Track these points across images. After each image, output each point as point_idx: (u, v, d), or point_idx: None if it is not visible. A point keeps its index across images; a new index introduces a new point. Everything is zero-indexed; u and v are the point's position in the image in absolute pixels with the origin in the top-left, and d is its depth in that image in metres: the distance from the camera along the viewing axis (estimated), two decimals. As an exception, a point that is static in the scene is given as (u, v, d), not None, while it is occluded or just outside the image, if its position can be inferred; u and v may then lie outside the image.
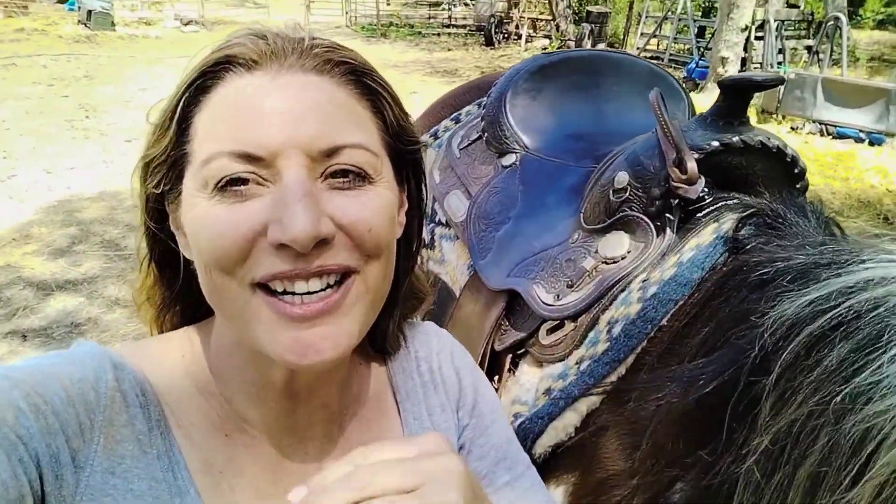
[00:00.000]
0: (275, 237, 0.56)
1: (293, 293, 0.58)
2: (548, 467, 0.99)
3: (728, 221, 0.94)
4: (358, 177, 0.61)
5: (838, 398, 0.57)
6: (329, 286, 0.60)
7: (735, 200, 0.97)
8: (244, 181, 0.58)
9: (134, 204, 0.71)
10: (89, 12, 14.79)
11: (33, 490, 0.54)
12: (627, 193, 1.06)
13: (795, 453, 0.58)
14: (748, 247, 0.88)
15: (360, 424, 0.75)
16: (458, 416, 0.79)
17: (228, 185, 0.58)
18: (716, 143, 0.99)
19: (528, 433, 0.98)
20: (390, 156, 0.67)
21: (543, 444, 0.98)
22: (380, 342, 0.78)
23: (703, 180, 0.98)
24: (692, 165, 0.97)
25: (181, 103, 0.62)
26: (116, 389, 0.62)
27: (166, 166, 0.64)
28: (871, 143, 7.47)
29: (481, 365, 1.22)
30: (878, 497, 0.53)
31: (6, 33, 14.03)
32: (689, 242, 0.96)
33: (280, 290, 0.59)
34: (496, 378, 1.18)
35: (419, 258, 0.80)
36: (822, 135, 8.03)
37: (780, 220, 0.88)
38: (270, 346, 0.59)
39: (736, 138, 0.98)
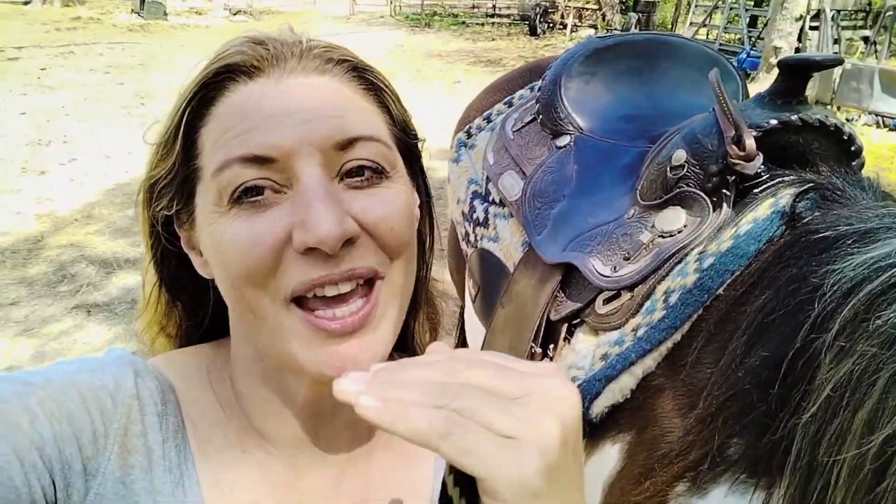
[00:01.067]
0: (301, 241, 0.54)
1: (324, 297, 0.57)
2: (604, 427, 1.04)
3: (785, 196, 0.96)
4: (375, 172, 0.60)
5: None
6: (359, 285, 0.58)
7: (792, 176, 0.99)
8: (259, 190, 0.56)
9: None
10: (142, 1, 15.23)
11: (46, 496, 0.53)
12: (685, 170, 1.09)
13: (855, 397, 0.61)
14: (806, 220, 0.91)
15: (389, 454, 0.71)
16: None
17: (244, 196, 0.56)
18: (774, 122, 1.01)
19: (585, 394, 1.03)
20: (400, 149, 0.66)
21: (600, 405, 1.02)
22: (409, 342, 0.76)
23: (760, 157, 1.00)
24: (751, 143, 1.00)
25: (185, 118, 0.61)
26: (135, 398, 0.61)
27: (175, 185, 0.63)
28: (930, 136, 7.27)
29: (536, 334, 1.27)
30: None
31: (63, 22, 14.56)
32: (746, 216, 0.99)
33: (310, 295, 0.57)
34: (551, 346, 1.23)
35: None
36: (878, 126, 7.82)
37: (839, 193, 0.90)
38: (307, 361, 0.57)
39: (794, 116, 1.00)
